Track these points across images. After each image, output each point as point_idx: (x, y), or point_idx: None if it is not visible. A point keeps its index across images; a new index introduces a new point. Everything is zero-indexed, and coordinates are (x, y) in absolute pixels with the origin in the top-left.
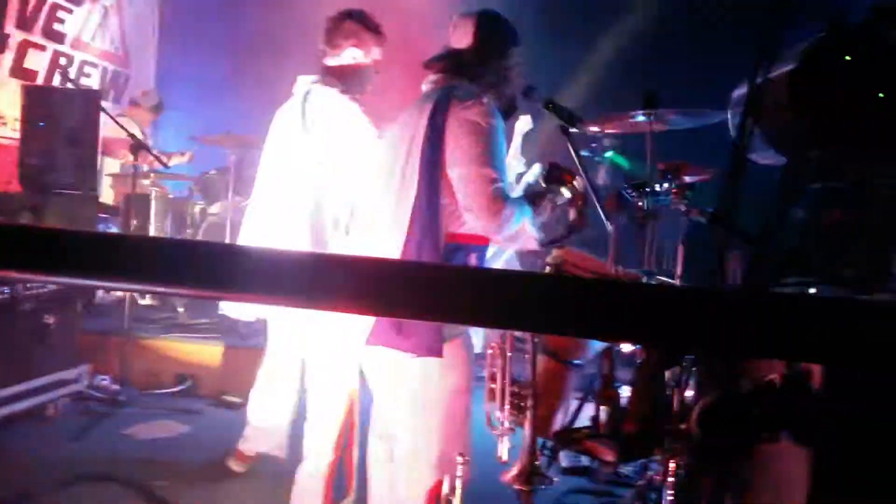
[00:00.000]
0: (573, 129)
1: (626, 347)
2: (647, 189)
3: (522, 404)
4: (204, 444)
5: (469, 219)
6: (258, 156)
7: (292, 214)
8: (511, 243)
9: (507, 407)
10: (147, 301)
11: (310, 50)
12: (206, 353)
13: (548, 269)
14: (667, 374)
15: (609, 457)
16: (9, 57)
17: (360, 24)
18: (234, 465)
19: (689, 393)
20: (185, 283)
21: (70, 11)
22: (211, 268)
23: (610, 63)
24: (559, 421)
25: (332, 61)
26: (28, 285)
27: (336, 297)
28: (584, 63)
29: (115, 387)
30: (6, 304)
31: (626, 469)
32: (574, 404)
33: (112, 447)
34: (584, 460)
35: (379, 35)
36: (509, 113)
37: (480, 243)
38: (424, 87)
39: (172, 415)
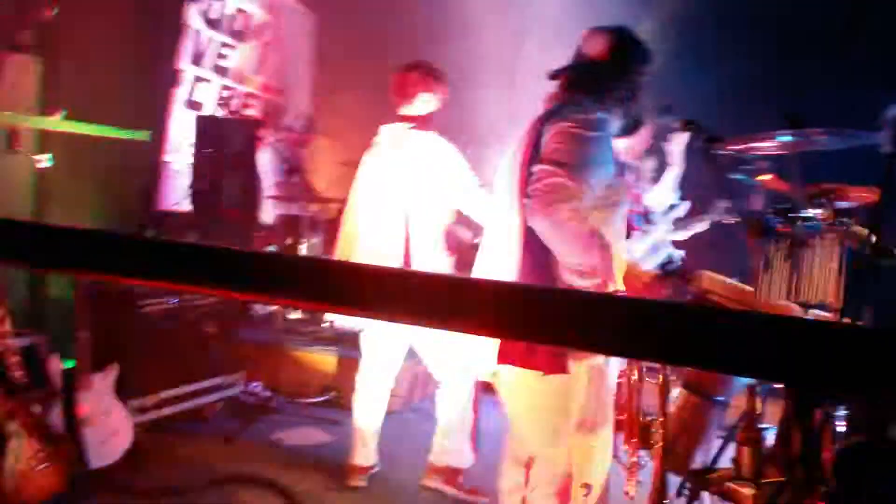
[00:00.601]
0: (715, 150)
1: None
2: (795, 214)
3: (652, 440)
4: (343, 454)
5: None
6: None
7: (396, 243)
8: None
9: (634, 440)
10: (297, 314)
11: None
12: (349, 365)
13: (689, 296)
14: (817, 414)
15: (749, 502)
16: (183, 90)
17: (425, 73)
18: (355, 482)
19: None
20: (328, 300)
21: (234, 48)
22: (353, 287)
23: (749, 80)
24: (699, 459)
25: (407, 110)
26: (192, 297)
27: (465, 319)
28: (716, 80)
29: (267, 393)
30: (174, 313)
31: None
32: (717, 443)
33: (260, 450)
34: None
35: (441, 79)
36: (633, 131)
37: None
38: (544, 103)
39: (316, 423)
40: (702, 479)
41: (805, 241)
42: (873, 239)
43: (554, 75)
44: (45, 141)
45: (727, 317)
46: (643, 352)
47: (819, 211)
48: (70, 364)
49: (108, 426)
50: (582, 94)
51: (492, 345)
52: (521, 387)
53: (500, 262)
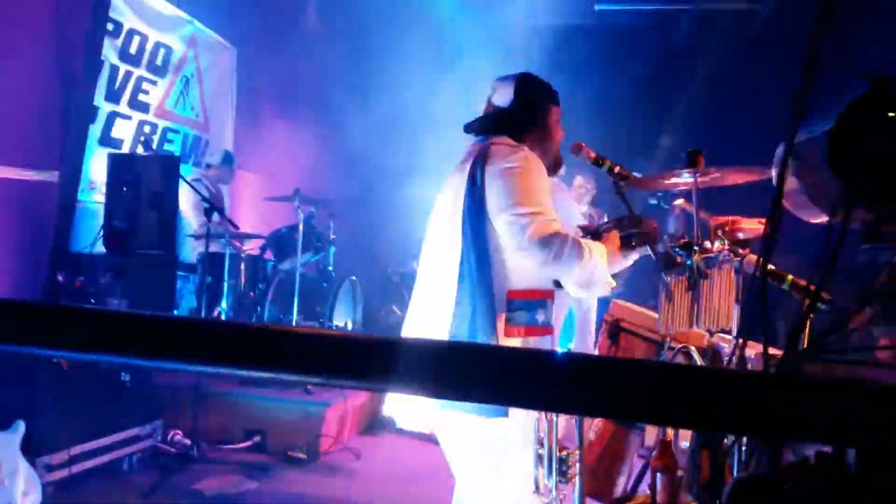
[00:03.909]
0: (623, 185)
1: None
2: (695, 248)
3: (570, 472)
4: (269, 501)
5: (527, 263)
6: (325, 214)
7: None
8: (584, 289)
9: (554, 474)
10: None
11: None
12: (274, 408)
13: (604, 324)
14: (723, 441)
15: None
16: (98, 127)
17: None
18: None
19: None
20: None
21: (154, 83)
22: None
23: (662, 119)
24: (621, 484)
25: None
26: None
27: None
28: (631, 121)
29: (187, 441)
30: (85, 364)
31: None
32: (638, 467)
33: (182, 502)
34: None
35: None
36: (555, 169)
37: (547, 298)
38: (467, 149)
39: (241, 470)
40: None
41: (704, 273)
42: (766, 266)
43: (468, 128)
44: None
45: (635, 369)
46: (556, 405)
47: (717, 243)
48: None
49: (16, 487)
50: (502, 137)
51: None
52: (460, 432)
53: (436, 306)
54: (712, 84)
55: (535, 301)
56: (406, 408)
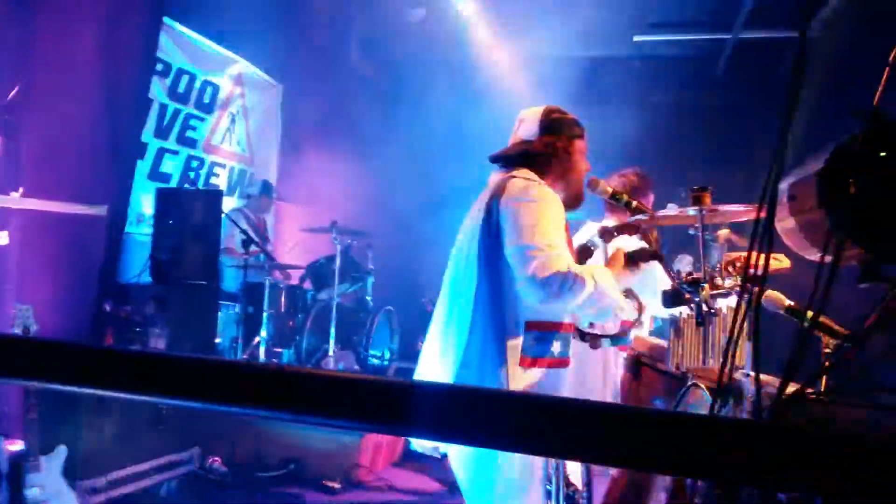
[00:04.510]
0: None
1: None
2: (702, 284)
3: None
4: None
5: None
6: (363, 245)
7: None
8: (596, 318)
9: None
10: None
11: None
12: (309, 437)
13: (625, 359)
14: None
15: None
16: (147, 162)
17: None
18: None
19: None
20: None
21: (202, 120)
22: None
23: (699, 151)
24: None
25: None
26: None
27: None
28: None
29: (224, 469)
30: None
31: None
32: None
33: None
34: None
35: None
36: (576, 203)
37: (563, 330)
38: (491, 178)
39: (276, 498)
40: None
41: (712, 311)
42: (787, 302)
43: (494, 158)
44: (2, 218)
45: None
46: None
47: (728, 281)
48: (17, 447)
49: None
50: (522, 171)
51: None
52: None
53: (451, 334)
54: (753, 115)
55: (551, 333)
56: None
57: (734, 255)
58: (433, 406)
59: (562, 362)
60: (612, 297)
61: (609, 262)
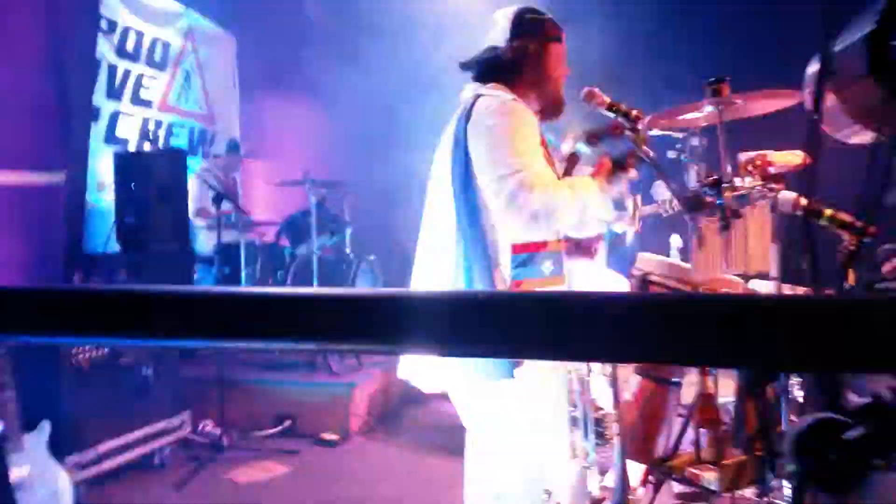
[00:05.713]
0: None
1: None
2: (725, 184)
3: (607, 434)
4: (303, 485)
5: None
6: (338, 196)
7: None
8: (579, 231)
9: (591, 436)
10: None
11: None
12: (301, 392)
13: (631, 278)
14: (769, 389)
15: (712, 486)
16: (102, 126)
17: None
18: None
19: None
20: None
21: (155, 79)
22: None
23: (662, 49)
24: (661, 444)
25: None
26: None
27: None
28: (631, 52)
29: (217, 431)
30: (106, 361)
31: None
32: (678, 423)
33: (215, 492)
34: None
35: None
36: (555, 112)
37: (553, 249)
38: (462, 94)
39: (273, 456)
40: (663, 467)
41: (737, 213)
42: (803, 202)
43: (464, 66)
44: None
45: (665, 305)
46: (589, 353)
47: (747, 180)
48: None
49: (46, 487)
50: (491, 86)
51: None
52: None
53: (437, 269)
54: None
55: (540, 253)
56: (419, 369)
57: (752, 153)
58: (434, 314)
59: (555, 281)
60: (594, 208)
61: (596, 170)
